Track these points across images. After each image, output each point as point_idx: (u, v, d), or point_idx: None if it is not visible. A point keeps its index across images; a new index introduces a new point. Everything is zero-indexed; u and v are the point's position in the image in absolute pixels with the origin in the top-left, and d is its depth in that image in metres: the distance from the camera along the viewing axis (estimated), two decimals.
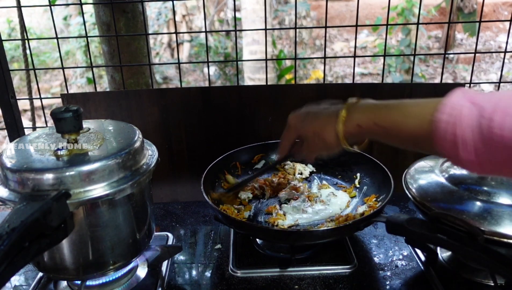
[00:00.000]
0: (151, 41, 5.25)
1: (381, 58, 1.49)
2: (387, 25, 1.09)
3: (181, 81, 1.19)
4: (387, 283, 0.81)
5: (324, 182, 1.05)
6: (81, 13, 1.10)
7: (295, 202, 0.96)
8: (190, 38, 5.11)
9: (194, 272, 0.86)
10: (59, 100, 1.11)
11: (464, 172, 0.81)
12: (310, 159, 0.75)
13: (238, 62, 1.16)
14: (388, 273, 0.83)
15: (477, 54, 1.10)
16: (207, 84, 1.25)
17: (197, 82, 5.03)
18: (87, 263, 0.70)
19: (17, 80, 4.56)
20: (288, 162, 1.10)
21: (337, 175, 1.07)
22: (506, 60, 4.88)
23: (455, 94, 0.53)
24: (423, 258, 0.87)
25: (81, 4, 1.08)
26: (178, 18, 5.51)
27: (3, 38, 1.07)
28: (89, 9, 3.78)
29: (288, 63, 4.27)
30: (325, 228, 0.83)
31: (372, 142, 0.70)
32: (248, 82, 3.99)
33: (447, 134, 0.51)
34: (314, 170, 1.09)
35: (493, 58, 5.33)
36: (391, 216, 0.73)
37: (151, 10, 4.84)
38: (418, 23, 1.09)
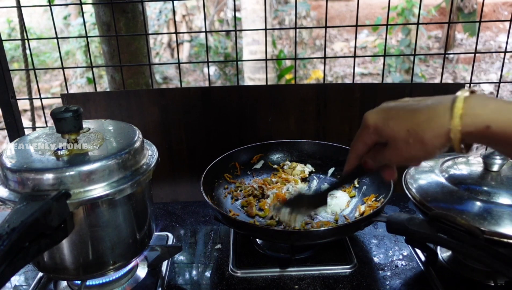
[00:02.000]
0: (151, 41, 5.25)
1: (381, 58, 1.49)
2: (387, 25, 1.09)
3: (181, 81, 1.19)
4: (387, 283, 0.81)
5: (325, 183, 1.05)
6: (81, 13, 1.10)
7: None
8: (190, 38, 5.11)
9: (194, 272, 0.86)
10: (59, 100, 1.11)
11: (464, 172, 0.81)
12: (391, 171, 0.58)
13: (238, 62, 1.16)
14: (388, 273, 0.83)
15: (477, 54, 1.10)
16: (207, 84, 1.25)
17: (197, 82, 5.03)
18: (87, 263, 0.70)
19: (17, 80, 4.56)
20: (287, 162, 1.10)
21: (336, 175, 1.07)
22: (506, 60, 4.88)
23: None
24: (423, 258, 0.87)
25: (81, 4, 1.07)
26: (178, 18, 5.51)
27: (3, 38, 1.07)
28: (89, 9, 3.78)
29: (288, 63, 4.26)
30: (325, 228, 0.83)
31: None
32: (248, 82, 3.99)
33: None
34: (313, 170, 1.09)
35: (493, 58, 5.33)
36: (392, 216, 0.73)
37: (151, 10, 4.84)
38: (418, 23, 1.09)
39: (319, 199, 0.72)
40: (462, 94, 0.48)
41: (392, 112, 0.54)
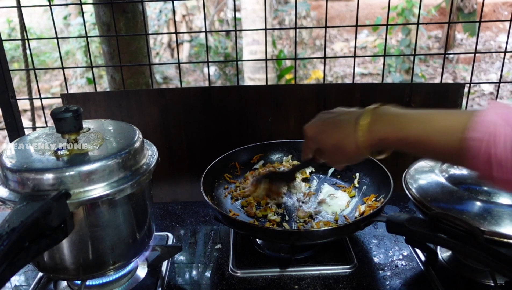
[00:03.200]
0: (151, 41, 5.25)
1: (381, 58, 1.49)
2: (387, 25, 1.09)
3: (181, 81, 1.19)
4: (387, 283, 0.81)
5: (325, 183, 1.05)
6: (81, 13, 1.10)
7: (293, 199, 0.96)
8: (190, 38, 5.11)
9: (194, 272, 0.86)
10: (59, 100, 1.11)
11: (464, 172, 0.81)
12: (338, 167, 0.75)
13: (238, 62, 1.16)
14: (388, 273, 0.83)
15: (477, 54, 1.10)
16: (207, 84, 1.25)
17: (197, 82, 5.03)
18: (87, 263, 0.70)
19: (17, 80, 4.56)
20: (289, 159, 1.10)
21: (336, 175, 1.07)
22: (506, 60, 4.88)
23: (487, 112, 0.51)
24: (423, 258, 0.87)
25: (81, 4, 1.08)
26: (178, 18, 5.51)
27: (3, 38, 1.07)
28: (89, 9, 3.78)
29: (288, 63, 4.26)
30: (325, 228, 0.83)
31: None
32: (248, 82, 3.99)
33: (481, 153, 0.49)
34: (314, 170, 1.09)
35: (493, 58, 5.33)
36: (392, 216, 0.73)
37: (151, 10, 4.84)
38: (418, 23, 1.09)
39: (288, 175, 0.93)
40: (367, 109, 0.61)
41: (322, 127, 0.68)
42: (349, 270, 0.84)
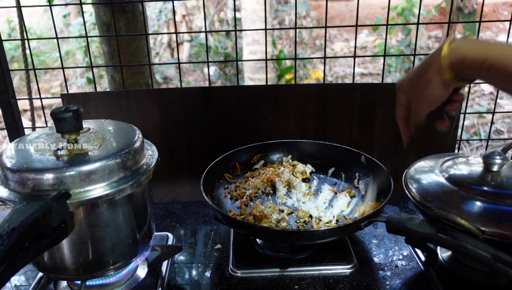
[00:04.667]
0: (151, 41, 5.25)
1: (381, 58, 1.49)
2: (387, 25, 1.09)
3: (181, 81, 1.19)
4: (387, 283, 0.81)
5: (325, 183, 1.05)
6: (81, 13, 1.10)
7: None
8: (190, 38, 5.11)
9: (194, 272, 0.86)
10: (59, 100, 1.11)
11: (464, 172, 0.81)
12: (419, 117, 0.68)
13: (238, 62, 1.16)
14: (388, 273, 0.83)
15: None
16: (207, 84, 1.25)
17: (197, 82, 5.03)
18: (87, 263, 0.70)
19: (17, 80, 4.56)
20: (289, 159, 1.10)
21: (336, 175, 1.07)
22: None
23: None
24: (423, 258, 0.87)
25: (81, 4, 1.08)
26: (178, 18, 5.51)
27: (3, 38, 1.07)
28: (89, 9, 3.78)
29: (288, 63, 4.26)
30: (325, 228, 0.83)
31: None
32: (248, 82, 3.99)
33: None
34: (314, 170, 1.09)
35: None
36: (391, 216, 0.73)
37: (151, 10, 4.84)
38: (418, 23, 1.09)
39: None
40: (448, 39, 0.61)
41: (409, 73, 0.67)
42: (349, 270, 0.84)
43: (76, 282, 0.80)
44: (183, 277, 0.85)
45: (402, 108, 0.70)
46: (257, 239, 0.92)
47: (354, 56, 1.11)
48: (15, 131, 1.14)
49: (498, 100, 1.18)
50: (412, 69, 0.66)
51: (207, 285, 0.82)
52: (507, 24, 1.07)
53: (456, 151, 1.13)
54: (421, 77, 0.63)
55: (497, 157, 0.78)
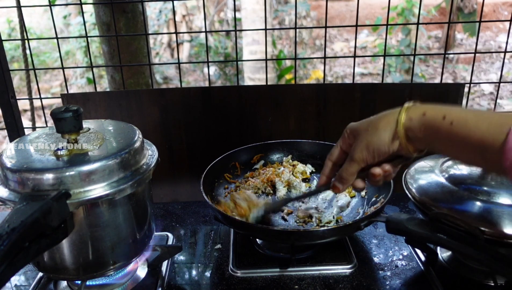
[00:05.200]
0: (151, 41, 5.25)
1: (381, 58, 1.49)
2: (387, 25, 1.09)
3: (181, 81, 1.19)
4: (387, 283, 0.81)
5: None
6: (81, 13, 1.10)
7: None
8: (190, 38, 5.11)
9: (194, 272, 0.86)
10: (59, 100, 1.11)
11: (464, 172, 0.81)
12: (352, 171, 0.66)
13: (238, 62, 1.16)
14: (388, 273, 0.83)
15: (477, 54, 1.10)
16: (207, 84, 1.25)
17: (197, 82, 5.03)
18: (87, 263, 0.70)
19: (17, 80, 4.56)
20: (289, 159, 1.10)
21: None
22: (506, 60, 4.88)
23: None
24: (423, 258, 0.87)
25: (81, 4, 1.08)
26: (178, 18, 5.51)
27: (3, 38, 1.07)
28: (89, 9, 3.78)
29: (288, 63, 4.26)
30: (325, 228, 0.83)
31: None
32: (248, 82, 3.99)
33: None
34: (314, 170, 1.09)
35: (493, 58, 5.33)
36: (391, 216, 0.73)
37: (151, 10, 4.84)
38: (418, 23, 1.09)
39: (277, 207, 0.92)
40: (408, 103, 0.61)
41: (365, 119, 0.66)
42: (349, 270, 0.84)
43: (76, 282, 0.80)
44: (183, 277, 0.85)
45: (339, 151, 0.69)
46: (257, 239, 0.92)
47: (354, 56, 1.11)
48: (15, 131, 1.14)
49: (498, 100, 1.18)
50: (370, 117, 0.65)
51: (207, 285, 0.82)
52: (507, 24, 1.07)
53: None
54: (373, 124, 0.62)
55: None
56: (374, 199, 0.92)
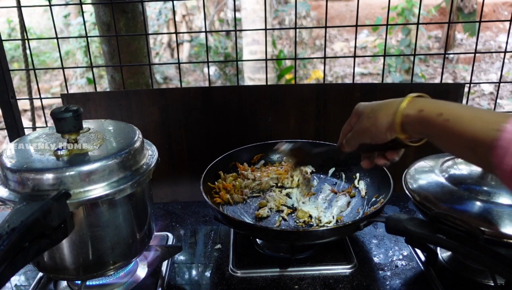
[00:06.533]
0: (151, 41, 5.25)
1: (381, 58, 1.49)
2: (387, 25, 1.09)
3: (181, 81, 1.19)
4: (387, 283, 0.81)
5: (325, 183, 1.05)
6: (81, 13, 1.10)
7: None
8: (190, 38, 5.11)
9: (194, 272, 0.86)
10: (59, 100, 1.11)
11: (464, 172, 0.81)
12: (353, 143, 0.72)
13: (238, 62, 1.16)
14: (388, 273, 0.83)
15: (477, 54, 1.10)
16: (207, 84, 1.25)
17: (197, 82, 5.03)
18: (87, 263, 0.70)
19: (17, 80, 4.56)
20: (290, 159, 1.10)
21: (336, 175, 1.07)
22: (506, 60, 4.88)
23: None
24: (423, 258, 0.87)
25: (81, 4, 1.08)
26: (178, 18, 5.51)
27: (3, 38, 1.07)
28: (89, 9, 3.78)
29: (288, 63, 4.26)
30: (325, 228, 0.83)
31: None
32: (248, 82, 3.99)
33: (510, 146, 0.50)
34: (314, 170, 1.09)
35: (493, 58, 5.33)
36: (391, 216, 0.73)
37: (151, 10, 4.84)
38: (418, 23, 1.09)
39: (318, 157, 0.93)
40: (411, 94, 0.64)
41: (372, 103, 0.69)
42: (349, 270, 0.84)
43: (76, 282, 0.80)
44: (183, 277, 0.85)
45: (348, 126, 0.75)
46: (257, 239, 0.92)
47: (354, 56, 1.11)
48: (15, 131, 1.14)
49: (498, 100, 1.18)
50: (377, 101, 0.69)
51: (207, 285, 0.82)
52: (507, 24, 1.07)
53: None
54: (375, 112, 0.66)
55: None
56: (374, 199, 0.92)
